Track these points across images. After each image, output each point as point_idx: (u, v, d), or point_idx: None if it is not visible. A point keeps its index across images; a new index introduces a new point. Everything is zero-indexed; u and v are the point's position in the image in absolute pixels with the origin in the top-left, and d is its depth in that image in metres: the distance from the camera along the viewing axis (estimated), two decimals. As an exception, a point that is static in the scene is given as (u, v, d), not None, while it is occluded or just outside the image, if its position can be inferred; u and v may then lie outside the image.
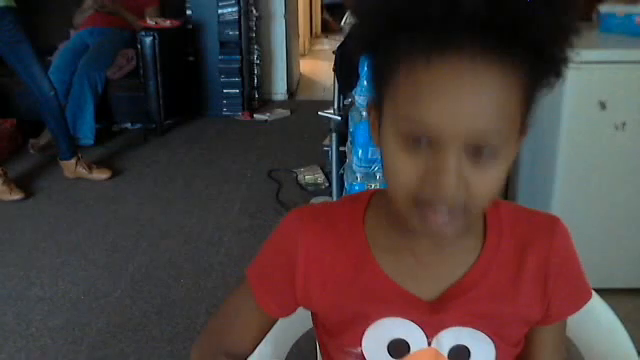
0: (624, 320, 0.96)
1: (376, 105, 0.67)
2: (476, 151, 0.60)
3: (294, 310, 0.79)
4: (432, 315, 0.72)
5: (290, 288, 0.75)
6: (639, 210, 2.14)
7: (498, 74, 0.58)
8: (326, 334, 0.79)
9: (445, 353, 0.73)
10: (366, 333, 0.73)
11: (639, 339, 0.99)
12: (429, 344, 0.73)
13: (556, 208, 2.12)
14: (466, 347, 0.73)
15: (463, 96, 0.58)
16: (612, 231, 2.17)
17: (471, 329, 0.73)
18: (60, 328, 2.16)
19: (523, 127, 0.65)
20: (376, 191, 0.78)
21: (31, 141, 3.83)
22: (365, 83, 2.05)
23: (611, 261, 2.17)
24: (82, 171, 3.43)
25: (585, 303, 0.79)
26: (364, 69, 2.04)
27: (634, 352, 0.94)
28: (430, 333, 0.73)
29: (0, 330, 2.16)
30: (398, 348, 0.73)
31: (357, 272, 0.73)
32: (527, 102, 0.62)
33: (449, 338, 0.73)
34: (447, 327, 0.73)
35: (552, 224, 0.75)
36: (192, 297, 2.35)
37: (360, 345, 0.74)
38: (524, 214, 0.77)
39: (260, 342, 0.82)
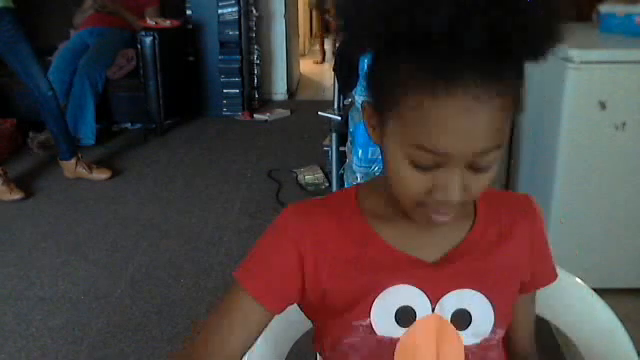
0: (624, 320, 0.96)
1: (375, 111, 0.71)
2: (477, 165, 0.67)
3: (291, 303, 0.80)
4: (436, 274, 0.77)
5: (294, 280, 0.77)
6: (639, 210, 2.14)
7: (497, 99, 0.63)
8: (332, 314, 0.79)
9: (448, 318, 0.77)
10: (374, 303, 0.76)
11: (639, 339, 0.99)
12: (433, 310, 0.76)
13: (556, 208, 2.12)
14: (467, 311, 0.77)
15: (470, 126, 0.63)
16: (612, 231, 2.17)
17: (471, 291, 0.77)
18: (60, 328, 2.16)
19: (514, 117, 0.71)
20: (359, 184, 0.85)
21: (31, 134, 3.83)
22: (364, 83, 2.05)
23: (611, 261, 2.17)
24: (82, 171, 3.43)
25: (552, 282, 0.88)
26: (364, 69, 2.04)
27: (634, 352, 0.94)
28: (434, 298, 0.76)
29: (0, 330, 2.16)
30: (405, 315, 0.76)
31: (361, 247, 0.77)
32: (517, 108, 0.68)
33: (451, 302, 0.77)
34: (449, 291, 0.77)
35: (528, 199, 0.85)
36: (192, 297, 2.35)
37: (369, 316, 0.76)
38: (501, 192, 0.87)
39: (252, 345, 0.80)
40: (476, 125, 0.63)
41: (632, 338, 0.95)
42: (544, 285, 0.87)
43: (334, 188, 2.71)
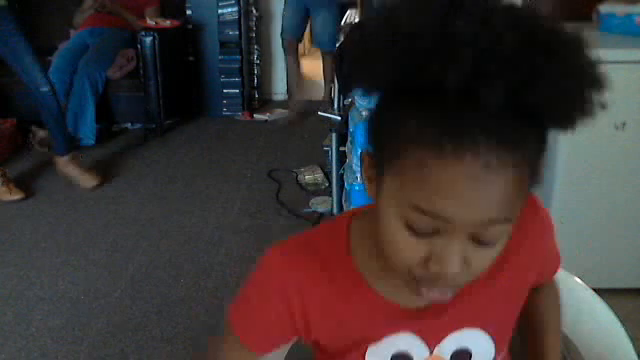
0: (624, 320, 0.96)
1: (373, 160, 0.64)
2: (481, 237, 0.59)
3: (285, 344, 0.79)
4: (435, 321, 0.72)
5: (285, 325, 0.74)
6: (639, 210, 2.14)
7: (512, 168, 0.55)
8: (327, 357, 0.78)
9: (447, 358, 0.74)
10: (368, 351, 0.73)
11: (639, 339, 0.99)
12: (431, 352, 0.73)
13: (556, 208, 2.12)
14: (467, 349, 0.74)
15: (476, 194, 0.55)
16: (612, 231, 2.17)
17: (470, 330, 0.74)
18: (60, 328, 2.16)
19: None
20: (354, 212, 0.76)
21: (33, 128, 3.82)
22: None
23: (611, 261, 2.17)
24: (72, 171, 3.36)
25: (556, 271, 0.85)
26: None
27: (634, 352, 0.94)
28: (432, 343, 0.73)
29: (0, 330, 2.16)
30: None
31: (352, 300, 0.72)
32: (533, 180, 0.60)
33: (450, 344, 0.74)
34: (448, 334, 0.73)
35: (534, 206, 0.76)
36: (192, 297, 2.35)
37: None
38: None
39: None
40: (483, 194, 0.55)
41: (632, 338, 0.95)
42: (550, 277, 0.86)
43: (334, 188, 2.71)
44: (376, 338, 0.73)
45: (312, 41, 4.99)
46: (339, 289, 0.71)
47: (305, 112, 4.51)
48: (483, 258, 0.60)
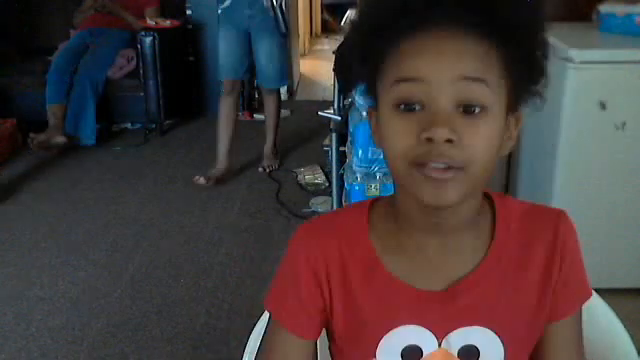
0: (624, 320, 0.96)
1: (373, 100, 0.72)
2: (466, 109, 0.64)
3: (325, 326, 0.80)
4: (444, 310, 0.73)
5: (320, 305, 0.77)
6: (639, 210, 2.14)
7: (476, 43, 0.64)
8: (341, 348, 0.79)
9: (455, 353, 0.74)
10: (380, 343, 0.74)
11: (639, 339, 0.99)
12: (439, 345, 0.74)
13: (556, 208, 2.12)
14: (475, 346, 0.74)
15: (448, 49, 0.64)
16: (612, 231, 2.16)
17: (480, 328, 0.74)
18: (60, 328, 2.16)
19: (512, 104, 0.69)
20: (378, 198, 0.80)
21: (31, 135, 3.82)
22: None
23: (611, 261, 2.17)
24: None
25: (584, 302, 0.80)
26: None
27: (634, 352, 0.94)
28: (440, 335, 0.74)
29: (0, 330, 2.16)
30: (411, 353, 0.74)
31: (365, 277, 0.75)
32: (510, 80, 0.67)
33: (458, 339, 0.74)
34: (457, 328, 0.74)
35: (558, 216, 0.77)
36: (192, 297, 2.35)
37: (374, 356, 0.75)
38: (531, 209, 0.79)
39: None
40: (452, 51, 0.64)
41: (632, 338, 0.95)
42: (572, 310, 0.79)
43: (334, 188, 2.71)
44: (386, 326, 0.74)
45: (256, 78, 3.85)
46: (357, 269, 0.75)
47: (303, 113, 4.50)
48: (474, 133, 0.64)
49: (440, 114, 0.63)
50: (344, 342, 0.78)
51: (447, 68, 0.63)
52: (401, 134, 0.65)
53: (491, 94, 0.65)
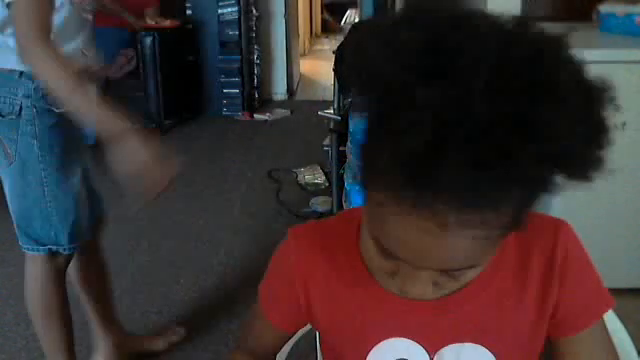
0: (624, 320, 0.96)
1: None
2: (448, 272, 0.59)
3: (303, 325, 0.82)
4: (434, 323, 0.70)
5: (295, 306, 0.77)
6: (639, 210, 2.14)
7: (471, 228, 0.51)
8: (330, 357, 0.80)
9: None
10: (369, 356, 0.73)
11: (639, 339, 0.99)
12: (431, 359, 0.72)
13: (556, 208, 2.11)
14: None
15: (434, 249, 0.53)
16: (612, 231, 2.17)
17: (472, 344, 0.71)
18: (60, 328, 2.16)
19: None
20: None
21: None
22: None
23: (611, 261, 2.17)
24: None
25: (603, 312, 0.73)
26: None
27: (634, 352, 0.94)
28: (432, 350, 0.72)
29: (0, 330, 2.16)
30: None
31: (353, 288, 0.72)
32: (514, 226, 0.57)
33: (450, 355, 0.71)
34: (449, 344, 0.71)
35: (556, 226, 0.72)
36: (192, 297, 2.35)
37: None
38: (529, 219, 0.72)
39: (280, 349, 0.88)
40: (441, 250, 0.53)
41: (632, 338, 0.95)
42: (589, 322, 0.72)
43: (334, 188, 2.71)
44: (374, 337, 0.72)
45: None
46: (344, 277, 0.73)
47: (304, 113, 4.51)
48: (456, 282, 0.62)
49: (422, 280, 0.60)
50: (334, 351, 0.78)
51: (434, 264, 0.56)
52: (377, 261, 0.62)
53: (483, 255, 0.58)
